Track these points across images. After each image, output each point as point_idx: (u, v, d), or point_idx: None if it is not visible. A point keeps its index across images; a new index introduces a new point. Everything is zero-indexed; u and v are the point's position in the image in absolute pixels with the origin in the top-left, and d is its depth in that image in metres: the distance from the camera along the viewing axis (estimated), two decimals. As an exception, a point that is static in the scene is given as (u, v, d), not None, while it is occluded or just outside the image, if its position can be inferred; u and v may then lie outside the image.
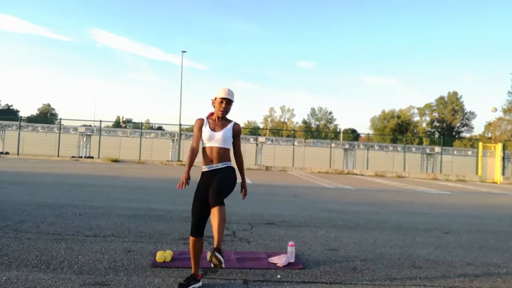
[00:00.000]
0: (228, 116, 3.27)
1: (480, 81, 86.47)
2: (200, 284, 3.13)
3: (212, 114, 3.28)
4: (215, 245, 2.84)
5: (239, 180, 3.22)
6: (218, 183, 3.00)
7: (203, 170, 3.19)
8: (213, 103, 3.23)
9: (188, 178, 3.08)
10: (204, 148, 3.19)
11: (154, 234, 4.88)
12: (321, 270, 3.73)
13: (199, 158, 3.17)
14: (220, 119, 3.22)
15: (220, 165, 3.15)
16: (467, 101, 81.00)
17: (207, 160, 3.16)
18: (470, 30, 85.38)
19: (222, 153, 3.16)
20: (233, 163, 3.28)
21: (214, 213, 2.87)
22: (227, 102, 3.17)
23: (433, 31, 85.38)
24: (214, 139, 3.14)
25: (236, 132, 3.23)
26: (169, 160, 27.19)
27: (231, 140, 3.22)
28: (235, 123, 3.26)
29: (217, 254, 2.77)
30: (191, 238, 3.16)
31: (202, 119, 3.24)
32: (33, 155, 26.38)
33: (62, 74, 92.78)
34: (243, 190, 3.37)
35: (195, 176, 3.07)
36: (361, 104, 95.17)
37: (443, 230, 6.16)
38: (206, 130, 3.17)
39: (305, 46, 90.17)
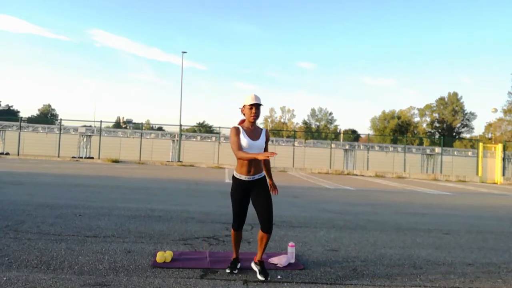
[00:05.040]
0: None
1: (480, 82, 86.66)
2: (239, 264, 3.61)
3: (243, 121, 3.47)
4: (259, 258, 3.50)
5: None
6: (268, 205, 3.40)
7: (241, 178, 3.40)
8: (242, 110, 3.44)
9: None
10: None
11: (154, 235, 4.89)
12: (321, 270, 3.74)
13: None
14: (253, 125, 3.42)
15: (257, 176, 3.43)
16: (467, 101, 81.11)
17: (246, 168, 3.36)
18: (470, 31, 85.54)
19: (259, 162, 3.39)
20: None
21: (264, 237, 3.42)
22: (257, 107, 3.37)
23: (433, 31, 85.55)
24: (253, 148, 3.34)
25: (267, 138, 3.54)
26: (169, 160, 27.18)
27: (265, 146, 3.48)
28: (266, 130, 3.51)
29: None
30: (234, 232, 3.53)
31: (237, 127, 3.42)
32: (33, 155, 26.37)
33: (62, 74, 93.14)
34: (274, 187, 3.67)
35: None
36: (361, 104, 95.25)
37: (443, 231, 6.17)
38: (244, 139, 3.34)
39: (305, 46, 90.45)
